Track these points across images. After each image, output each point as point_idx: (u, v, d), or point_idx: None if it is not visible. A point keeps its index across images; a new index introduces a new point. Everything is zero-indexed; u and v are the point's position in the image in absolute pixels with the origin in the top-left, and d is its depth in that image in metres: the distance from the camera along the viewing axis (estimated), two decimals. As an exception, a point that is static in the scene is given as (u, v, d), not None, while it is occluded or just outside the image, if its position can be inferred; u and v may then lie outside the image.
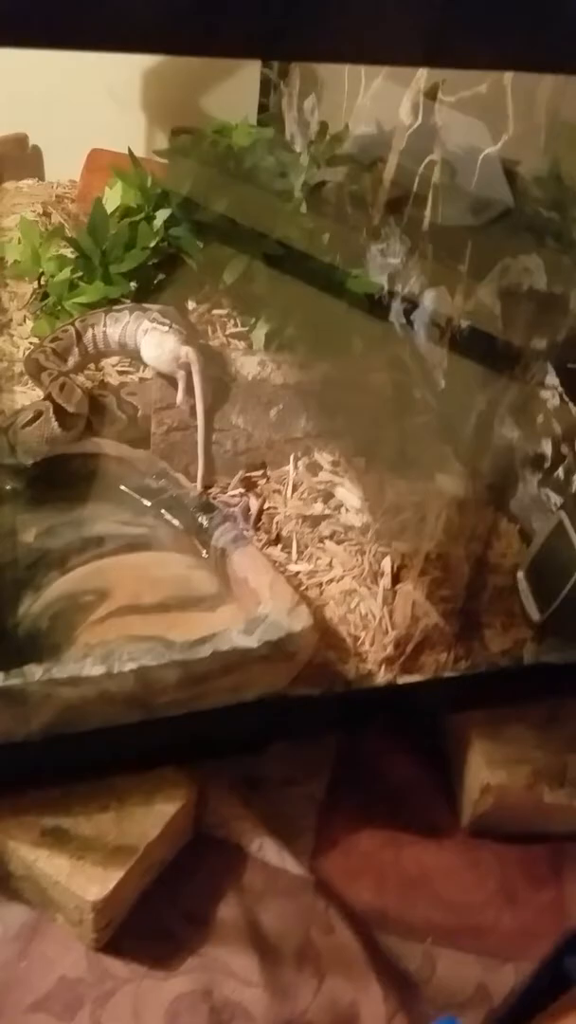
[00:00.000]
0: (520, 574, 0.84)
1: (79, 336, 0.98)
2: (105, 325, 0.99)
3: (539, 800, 0.75)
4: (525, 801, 0.75)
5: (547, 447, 0.89)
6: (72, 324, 0.99)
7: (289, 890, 0.70)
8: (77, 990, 0.64)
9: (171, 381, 0.94)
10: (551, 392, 0.89)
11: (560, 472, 0.87)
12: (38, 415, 0.87)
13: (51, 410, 0.88)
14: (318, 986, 0.66)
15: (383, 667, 0.77)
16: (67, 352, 0.97)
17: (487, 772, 0.75)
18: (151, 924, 0.68)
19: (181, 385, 0.93)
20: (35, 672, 0.62)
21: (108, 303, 1.04)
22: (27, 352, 1.00)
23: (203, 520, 0.81)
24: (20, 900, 0.67)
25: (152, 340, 0.95)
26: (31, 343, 1.04)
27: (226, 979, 0.65)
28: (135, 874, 0.65)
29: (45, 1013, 0.62)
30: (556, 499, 0.86)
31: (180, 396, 0.92)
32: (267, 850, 0.72)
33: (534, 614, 0.81)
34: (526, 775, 0.75)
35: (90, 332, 0.99)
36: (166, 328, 0.95)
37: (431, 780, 0.81)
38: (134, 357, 1.01)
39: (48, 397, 0.89)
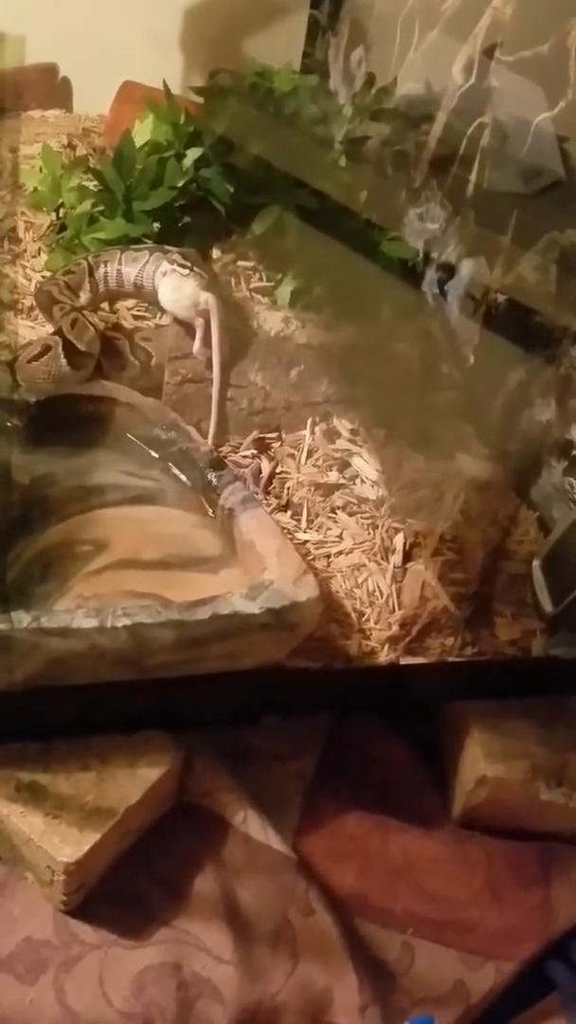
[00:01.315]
0: (536, 564, 0.81)
1: (91, 271, 0.93)
2: (121, 263, 0.94)
3: (535, 797, 0.72)
4: (520, 797, 0.72)
5: (576, 434, 0.85)
6: (85, 259, 0.95)
7: (270, 867, 0.68)
8: (42, 953, 0.61)
9: (188, 329, 0.90)
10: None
11: (587, 462, 0.83)
12: (46, 350, 0.83)
13: (60, 346, 0.83)
14: (292, 969, 0.64)
15: (387, 646, 0.74)
16: (79, 287, 0.93)
17: (484, 764, 0.72)
18: (124, 891, 0.65)
19: (199, 334, 0.88)
20: (23, 619, 0.59)
21: (128, 242, 0.99)
22: (39, 284, 0.95)
23: (212, 477, 0.77)
24: (-10, 855, 0.64)
25: (171, 283, 0.91)
26: (43, 276, 0.99)
27: (197, 954, 0.63)
28: (112, 838, 0.62)
29: (7, 973, 0.60)
30: (581, 489, 0.83)
31: (197, 345, 0.88)
32: (251, 824, 0.69)
33: (547, 606, 0.78)
34: (524, 770, 0.72)
35: (103, 268, 0.94)
36: (187, 271, 0.90)
37: (422, 768, 0.78)
38: (150, 301, 0.96)
39: (58, 332, 0.85)
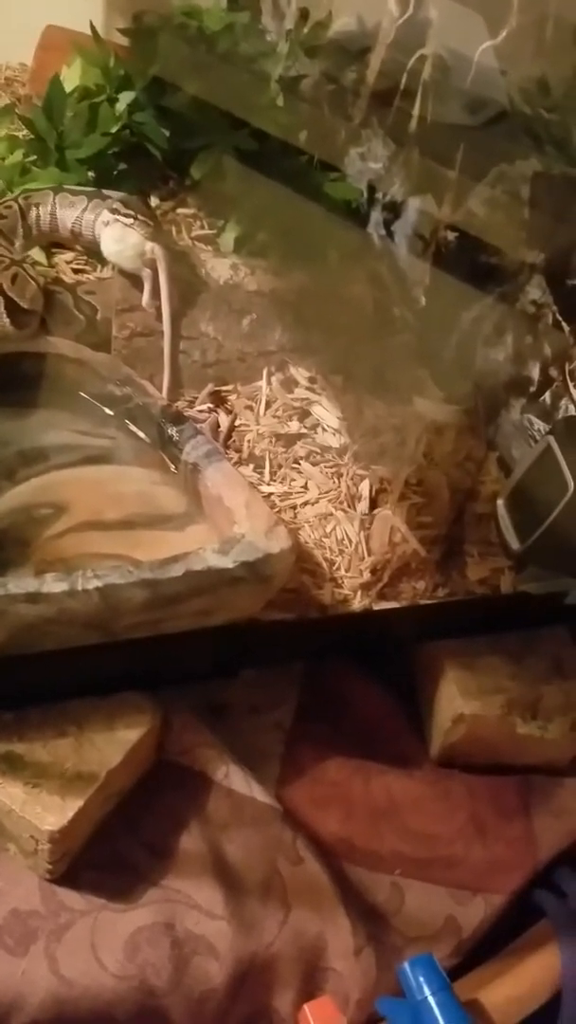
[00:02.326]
0: (500, 502, 0.81)
1: (23, 214, 0.88)
2: (55, 206, 0.89)
3: (512, 731, 0.73)
4: (497, 732, 0.73)
5: (534, 371, 0.85)
6: (16, 200, 0.89)
7: (256, 819, 0.67)
8: (30, 923, 0.60)
9: (134, 281, 0.86)
10: (542, 311, 0.84)
11: (547, 397, 0.83)
12: None
13: (1, 304, 0.79)
14: (284, 918, 0.64)
15: (359, 593, 0.74)
16: (12, 232, 0.87)
17: (461, 701, 0.72)
18: (109, 855, 0.64)
19: (147, 285, 0.85)
20: (-12, 586, 0.56)
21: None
22: None
23: (173, 432, 0.75)
24: (-32, 830, 0.62)
25: (114, 233, 0.87)
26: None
27: (189, 911, 0.62)
28: (95, 803, 0.61)
29: (-4, 947, 0.58)
30: (541, 426, 0.83)
31: (146, 297, 0.85)
32: (234, 778, 0.68)
33: (514, 543, 0.78)
34: (500, 705, 0.73)
35: (35, 211, 0.89)
36: (130, 221, 0.86)
37: (399, 710, 0.79)
38: (88, 248, 0.92)
39: None
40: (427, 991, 0.56)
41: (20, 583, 0.57)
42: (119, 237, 0.86)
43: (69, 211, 0.89)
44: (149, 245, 0.84)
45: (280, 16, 1.10)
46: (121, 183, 1.00)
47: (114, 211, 0.87)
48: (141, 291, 0.85)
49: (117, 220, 0.87)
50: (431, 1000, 0.56)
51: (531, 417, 0.85)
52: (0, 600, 0.56)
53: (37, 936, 0.59)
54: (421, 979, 0.57)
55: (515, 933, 0.68)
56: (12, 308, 0.79)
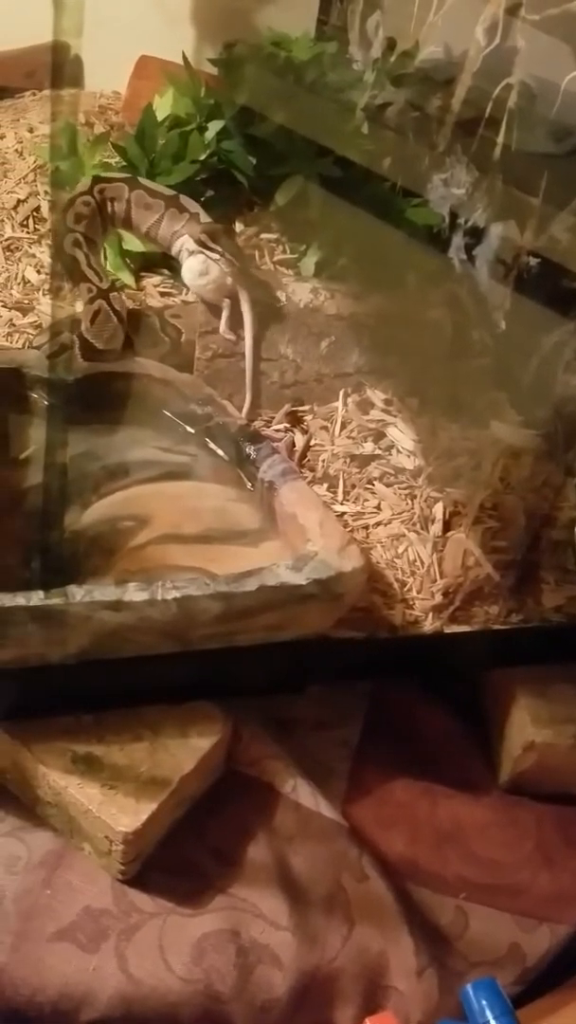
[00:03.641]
0: (577, 529, 0.81)
1: (100, 208, 0.89)
2: (131, 204, 0.89)
3: (582, 761, 0.72)
4: (568, 761, 0.73)
5: (615, 397, 0.84)
6: (91, 195, 0.89)
7: (322, 834, 0.68)
8: (102, 922, 0.62)
9: (214, 310, 0.89)
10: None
11: (627, 425, 0.82)
12: (62, 349, 0.81)
13: (77, 345, 0.81)
14: (348, 934, 0.65)
15: (430, 615, 0.74)
16: (94, 231, 0.88)
17: (532, 730, 0.72)
18: (178, 859, 0.66)
19: (224, 313, 0.87)
20: (76, 593, 0.59)
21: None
22: (57, 230, 0.90)
23: (251, 451, 0.77)
24: (46, 827, 0.65)
25: (197, 266, 0.89)
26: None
27: (254, 920, 0.64)
28: (167, 808, 0.63)
29: (69, 942, 0.61)
30: (620, 453, 0.82)
31: (223, 326, 0.87)
32: (301, 791, 0.70)
33: (590, 571, 0.78)
34: (572, 735, 0.72)
35: (110, 206, 0.89)
36: (216, 257, 0.88)
37: (466, 734, 0.79)
38: (159, 246, 0.93)
39: (76, 327, 0.82)
40: (490, 1015, 0.56)
41: (105, 591, 0.60)
42: (202, 271, 0.88)
43: (145, 213, 0.90)
44: (230, 280, 0.86)
45: (367, 45, 1.13)
46: (208, 209, 1.04)
47: (200, 243, 0.89)
48: (219, 319, 0.88)
49: (200, 252, 0.88)
50: (493, 1025, 0.56)
51: (610, 444, 0.84)
52: (86, 607, 0.59)
53: (108, 934, 0.61)
54: (484, 1003, 0.57)
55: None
56: (87, 348, 0.82)
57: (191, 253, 0.89)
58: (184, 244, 0.90)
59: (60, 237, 0.87)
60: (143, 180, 0.92)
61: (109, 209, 0.89)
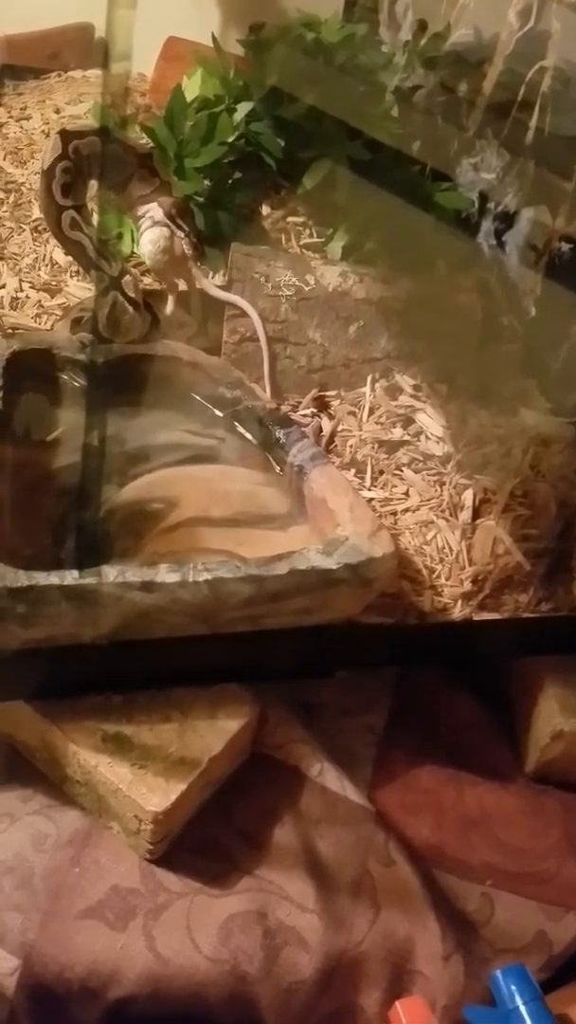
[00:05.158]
0: (607, 517, 0.80)
1: (79, 170, 0.80)
2: (104, 156, 0.82)
3: (610, 751, 0.72)
4: (596, 751, 0.72)
5: None
6: (67, 157, 0.79)
7: (348, 818, 0.68)
8: (130, 901, 0.62)
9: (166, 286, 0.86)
10: None
11: None
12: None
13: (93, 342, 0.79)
14: (374, 918, 0.65)
15: (459, 602, 0.74)
16: (82, 199, 0.81)
17: (560, 718, 0.72)
18: (206, 841, 0.66)
19: (172, 297, 0.85)
20: (110, 573, 0.59)
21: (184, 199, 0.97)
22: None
23: (280, 435, 0.77)
24: (75, 806, 0.65)
25: (159, 238, 0.83)
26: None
27: (281, 903, 0.64)
28: (195, 788, 0.63)
29: (97, 920, 0.61)
30: None
31: (170, 306, 0.84)
32: (327, 775, 0.69)
33: (620, 560, 0.77)
34: (600, 724, 0.72)
35: (88, 164, 0.80)
36: (182, 235, 0.83)
37: (492, 722, 0.78)
38: (121, 204, 0.87)
39: (75, 324, 0.81)
40: (519, 1000, 0.56)
41: (137, 572, 0.60)
42: (166, 247, 0.83)
43: (116, 168, 0.82)
44: (189, 264, 0.83)
45: (397, 27, 1.11)
46: (235, 192, 1.03)
47: (170, 216, 0.83)
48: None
49: (168, 226, 0.83)
50: (523, 1010, 0.56)
51: None
52: (118, 587, 0.59)
53: (136, 913, 0.62)
54: (513, 988, 0.57)
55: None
56: (106, 344, 0.80)
57: (155, 223, 0.84)
58: (152, 212, 0.84)
59: (53, 218, 0.80)
60: (116, 133, 0.84)
61: (87, 168, 0.81)
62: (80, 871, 0.63)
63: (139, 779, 0.61)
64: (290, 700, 0.74)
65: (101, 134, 0.84)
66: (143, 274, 0.93)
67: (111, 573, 0.59)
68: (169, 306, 0.85)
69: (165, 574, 0.60)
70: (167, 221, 0.83)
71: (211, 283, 0.87)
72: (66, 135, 0.80)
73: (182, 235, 0.84)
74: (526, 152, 0.94)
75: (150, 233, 0.84)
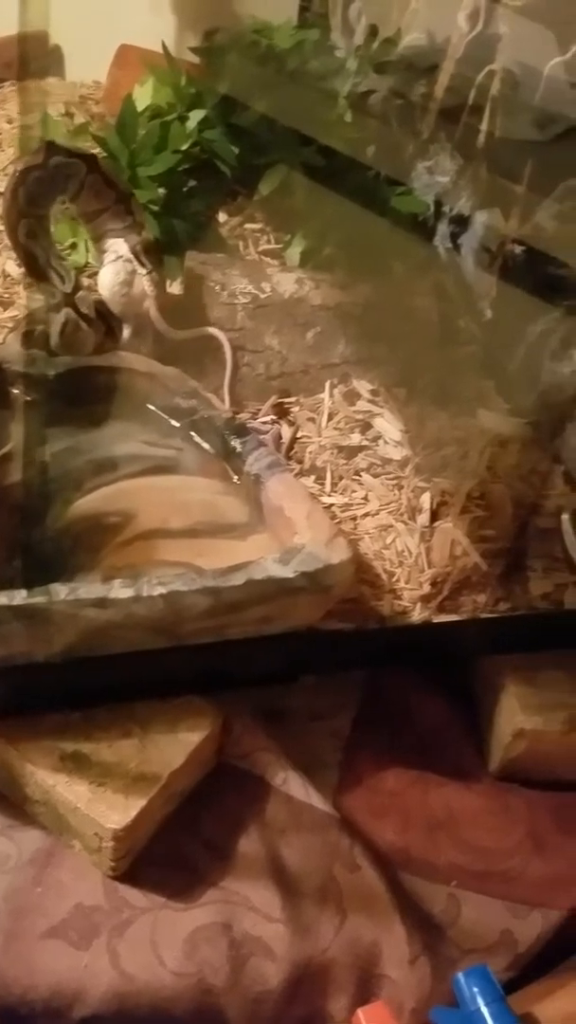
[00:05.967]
0: (565, 517, 0.81)
1: (53, 184, 0.80)
2: (84, 184, 0.82)
3: (573, 747, 0.73)
4: (559, 747, 0.73)
5: (602, 384, 0.84)
6: (43, 168, 0.78)
7: (313, 826, 0.68)
8: (93, 918, 0.62)
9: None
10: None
11: (614, 412, 0.82)
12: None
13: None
14: (340, 924, 0.65)
15: (419, 605, 0.74)
16: (46, 209, 0.80)
17: (522, 717, 0.72)
18: (170, 854, 0.65)
19: (128, 331, 0.86)
20: (60, 591, 0.59)
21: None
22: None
23: (237, 444, 0.77)
24: (36, 825, 0.65)
25: (121, 273, 0.84)
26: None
27: (247, 913, 0.64)
28: (157, 803, 0.63)
29: (60, 940, 0.61)
30: (607, 440, 0.82)
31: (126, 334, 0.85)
32: (292, 784, 0.69)
33: (578, 558, 0.78)
34: (561, 721, 0.72)
35: (64, 183, 0.81)
36: (144, 272, 0.84)
37: (457, 722, 0.79)
38: (87, 233, 0.89)
39: (26, 338, 0.79)
40: (481, 1002, 0.56)
41: (90, 589, 0.60)
42: (126, 281, 0.84)
43: (92, 199, 0.84)
44: (147, 304, 0.84)
45: (350, 33, 1.12)
46: (191, 199, 1.03)
47: (135, 253, 0.84)
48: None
49: (131, 262, 0.84)
50: (484, 1011, 0.56)
51: (598, 431, 0.84)
52: (71, 605, 0.59)
53: (100, 931, 0.61)
54: (475, 990, 0.57)
55: (573, 949, 0.67)
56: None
57: (119, 257, 0.85)
58: (116, 246, 0.85)
59: (11, 223, 0.79)
60: (103, 165, 0.85)
61: (60, 186, 0.82)
62: (42, 891, 0.62)
63: (98, 797, 0.61)
64: (256, 707, 0.74)
65: (89, 162, 0.83)
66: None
67: (62, 591, 0.59)
68: (125, 333, 0.85)
69: (119, 590, 0.60)
70: (131, 257, 0.84)
71: (168, 327, 0.86)
72: (52, 148, 0.81)
73: (144, 272, 0.84)
74: (478, 156, 0.94)
75: (112, 266, 0.85)
